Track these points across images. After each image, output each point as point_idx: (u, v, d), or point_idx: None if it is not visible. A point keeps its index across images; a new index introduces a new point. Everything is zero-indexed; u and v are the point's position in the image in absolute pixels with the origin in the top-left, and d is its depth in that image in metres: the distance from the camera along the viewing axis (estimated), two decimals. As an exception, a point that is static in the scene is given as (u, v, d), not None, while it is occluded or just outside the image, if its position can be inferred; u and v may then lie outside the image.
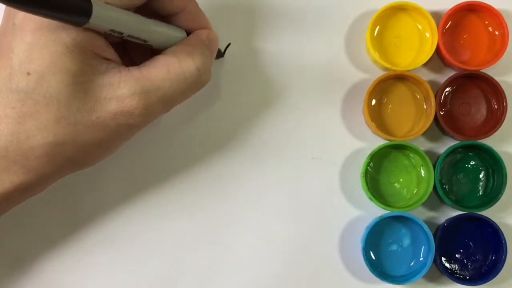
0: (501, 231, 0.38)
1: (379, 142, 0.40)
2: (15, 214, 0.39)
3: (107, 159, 0.39)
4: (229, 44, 0.40)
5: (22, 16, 0.30)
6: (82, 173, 0.39)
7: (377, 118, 0.40)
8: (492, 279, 0.38)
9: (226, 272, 0.40)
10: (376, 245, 0.39)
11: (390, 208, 0.39)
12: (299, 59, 0.41)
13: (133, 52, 0.36)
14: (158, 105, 0.32)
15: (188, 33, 0.35)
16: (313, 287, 0.40)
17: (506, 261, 0.38)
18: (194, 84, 0.33)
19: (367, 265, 0.38)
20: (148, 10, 0.33)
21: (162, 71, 0.32)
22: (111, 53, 0.32)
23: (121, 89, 0.31)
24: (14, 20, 0.30)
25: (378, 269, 0.39)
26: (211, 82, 0.40)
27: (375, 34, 0.40)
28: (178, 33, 0.34)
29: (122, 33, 0.31)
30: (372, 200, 0.39)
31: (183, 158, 0.40)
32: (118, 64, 0.32)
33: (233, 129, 0.40)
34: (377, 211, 0.40)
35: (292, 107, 0.41)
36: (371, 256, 0.39)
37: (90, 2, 0.28)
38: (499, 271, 0.38)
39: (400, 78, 0.40)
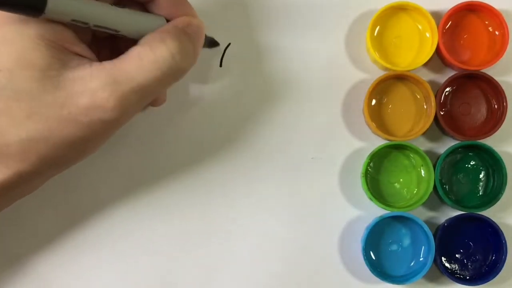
0: (501, 231, 0.38)
1: (379, 142, 0.40)
2: (10, 213, 0.39)
3: (106, 158, 0.40)
4: (229, 44, 0.40)
5: None
6: (79, 173, 0.40)
7: (377, 118, 0.40)
8: (492, 279, 0.38)
9: (226, 272, 0.40)
10: (376, 245, 0.39)
11: (390, 208, 0.39)
12: (299, 59, 0.41)
13: (124, 47, 0.35)
14: (132, 96, 0.30)
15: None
16: (313, 287, 0.40)
17: (506, 261, 0.38)
18: (170, 71, 0.31)
19: (367, 265, 0.38)
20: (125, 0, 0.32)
21: (134, 60, 0.30)
22: (82, 49, 0.31)
23: (93, 82, 0.29)
24: None
25: (378, 269, 0.39)
26: (211, 83, 0.40)
27: (375, 34, 0.40)
28: (156, 22, 0.33)
29: (86, 23, 0.30)
30: (372, 200, 0.39)
31: (182, 158, 0.40)
32: (91, 59, 0.31)
33: (233, 129, 0.40)
34: (377, 211, 0.40)
35: (292, 107, 0.41)
36: (371, 256, 0.39)
37: None
38: (499, 271, 0.38)
39: (400, 78, 0.40)
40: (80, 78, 0.30)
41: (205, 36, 0.35)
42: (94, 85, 0.29)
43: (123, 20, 0.32)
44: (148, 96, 0.31)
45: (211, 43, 0.39)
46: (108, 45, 0.35)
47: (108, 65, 0.30)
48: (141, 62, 0.30)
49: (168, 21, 0.34)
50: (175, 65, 0.31)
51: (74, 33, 0.31)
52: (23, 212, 0.40)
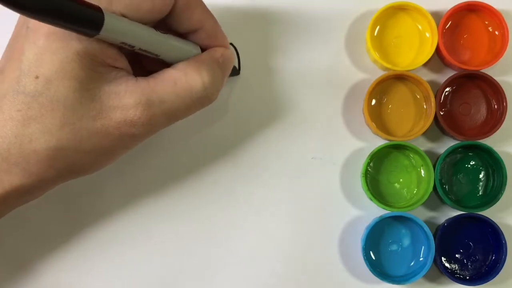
0: (501, 231, 0.38)
1: (379, 142, 0.40)
2: (16, 215, 0.39)
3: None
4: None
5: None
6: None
7: (377, 118, 0.40)
8: (492, 279, 0.38)
9: (226, 272, 0.40)
10: (376, 245, 0.39)
11: (390, 208, 0.39)
12: (299, 59, 0.41)
13: (145, 60, 0.36)
14: (161, 117, 0.32)
15: (204, 50, 0.35)
16: (313, 287, 0.40)
17: (506, 261, 0.38)
18: (199, 101, 0.33)
19: (367, 265, 0.38)
20: (166, 26, 0.33)
21: (169, 84, 0.32)
22: (122, 62, 0.32)
23: (127, 99, 0.31)
24: (28, 23, 0.30)
25: (378, 269, 0.39)
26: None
27: (375, 34, 0.40)
28: (192, 49, 0.34)
29: (133, 46, 0.31)
30: (372, 200, 0.39)
31: (183, 158, 0.40)
32: (128, 73, 0.32)
33: (233, 129, 0.41)
34: (377, 211, 0.40)
35: (292, 107, 0.41)
36: (371, 256, 0.39)
37: (102, 13, 0.28)
38: (499, 271, 0.38)
39: (400, 78, 0.40)
40: (116, 93, 0.31)
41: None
42: (128, 102, 0.31)
43: (165, 46, 0.32)
44: (174, 119, 0.33)
45: (233, 71, 0.40)
46: (133, 54, 0.35)
47: (143, 83, 0.31)
48: (175, 88, 0.32)
49: (202, 49, 0.35)
50: (204, 96, 0.33)
51: (117, 49, 0.31)
52: (26, 215, 0.40)
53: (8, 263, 0.40)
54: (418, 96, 0.40)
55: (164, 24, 0.33)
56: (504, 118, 0.39)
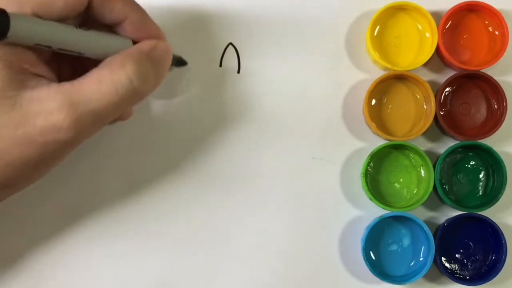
0: (501, 231, 0.38)
1: (379, 142, 0.40)
2: (10, 211, 0.39)
3: (105, 157, 0.40)
4: (229, 44, 0.40)
5: None
6: (77, 171, 0.40)
7: (377, 118, 0.40)
8: (492, 279, 0.38)
9: (226, 271, 0.40)
10: (376, 245, 0.39)
11: (390, 208, 0.39)
12: (299, 59, 0.41)
13: (90, 66, 0.34)
14: (88, 118, 0.30)
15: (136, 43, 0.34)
16: (313, 287, 0.40)
17: (506, 261, 0.38)
18: (127, 95, 0.31)
19: (367, 265, 0.38)
20: (91, 21, 0.32)
21: (92, 83, 0.30)
22: (42, 69, 0.31)
23: (50, 103, 0.29)
24: None
25: (378, 269, 0.39)
26: (212, 84, 0.40)
27: (375, 34, 0.40)
28: (119, 44, 0.33)
29: (50, 46, 0.30)
30: (372, 200, 0.39)
31: (183, 157, 0.40)
32: (49, 79, 0.31)
33: (232, 128, 0.40)
34: (377, 211, 0.40)
35: (292, 107, 0.41)
36: (371, 256, 0.39)
37: (8, 17, 0.27)
38: (499, 271, 0.38)
39: (400, 78, 0.40)
40: (37, 99, 0.29)
41: (174, 57, 0.35)
42: (50, 106, 0.29)
43: (87, 43, 0.31)
44: (105, 118, 0.31)
45: (179, 62, 0.39)
46: (70, 60, 0.34)
47: (66, 86, 0.30)
48: (99, 85, 0.30)
49: (134, 43, 0.34)
50: (132, 90, 0.31)
51: (34, 54, 0.30)
52: (20, 210, 0.40)
53: (1, 261, 0.40)
54: (418, 96, 0.40)
55: (88, 17, 0.32)
56: (504, 118, 0.39)
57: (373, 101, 0.40)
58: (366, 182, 0.39)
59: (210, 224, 0.40)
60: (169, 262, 0.40)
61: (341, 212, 0.40)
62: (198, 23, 0.41)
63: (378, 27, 0.40)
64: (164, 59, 0.34)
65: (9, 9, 0.28)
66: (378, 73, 0.40)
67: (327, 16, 0.41)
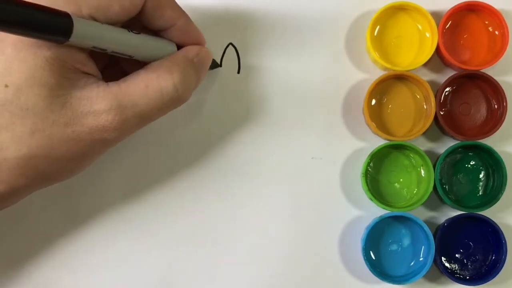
0: (501, 231, 0.38)
1: (379, 142, 0.40)
2: (13, 213, 0.39)
3: (107, 158, 0.40)
4: (229, 44, 0.40)
5: None
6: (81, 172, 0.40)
7: (377, 118, 0.40)
8: (492, 279, 0.38)
9: (226, 272, 0.40)
10: (376, 245, 0.39)
11: (390, 208, 0.39)
12: (299, 59, 0.41)
13: (122, 61, 0.36)
14: (134, 121, 0.32)
15: (180, 48, 0.35)
16: (313, 287, 0.40)
17: (506, 261, 0.38)
18: (171, 102, 0.33)
19: (367, 265, 0.38)
20: (138, 25, 0.33)
21: (140, 87, 0.31)
22: (91, 68, 0.31)
23: (98, 104, 0.30)
24: None
25: (378, 269, 0.39)
26: (213, 84, 0.40)
27: (375, 34, 0.40)
28: (166, 47, 0.34)
29: (105, 49, 0.30)
30: (372, 200, 0.39)
31: (184, 157, 0.40)
32: (98, 78, 0.32)
33: (233, 129, 0.40)
34: (377, 211, 0.40)
35: (292, 107, 0.41)
36: (371, 256, 0.39)
37: (71, 19, 0.27)
38: (499, 271, 0.38)
39: (400, 78, 0.40)
40: (87, 99, 0.30)
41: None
42: (100, 107, 0.30)
43: (139, 46, 0.32)
44: (147, 121, 0.33)
45: (213, 65, 0.40)
46: (106, 58, 0.35)
47: (114, 87, 0.31)
48: (146, 90, 0.31)
49: (178, 46, 0.35)
50: (176, 97, 0.33)
51: (85, 53, 0.31)
52: (22, 212, 0.40)
53: (4, 261, 0.40)
54: (418, 96, 0.40)
55: (138, 22, 0.33)
56: (504, 118, 0.39)
57: (373, 101, 0.40)
58: (366, 182, 0.39)
59: (210, 224, 0.40)
60: (170, 261, 0.40)
61: (341, 212, 0.40)
62: (198, 23, 0.41)
63: (378, 27, 0.40)
64: (206, 65, 0.36)
65: (67, 11, 0.28)
66: (378, 73, 0.40)
67: (327, 16, 0.41)
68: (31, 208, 0.40)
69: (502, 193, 0.38)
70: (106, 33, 0.30)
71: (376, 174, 0.40)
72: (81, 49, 0.30)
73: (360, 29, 0.41)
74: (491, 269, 0.39)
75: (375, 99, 0.40)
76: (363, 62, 0.41)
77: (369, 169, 0.40)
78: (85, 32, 0.29)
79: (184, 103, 0.34)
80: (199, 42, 0.36)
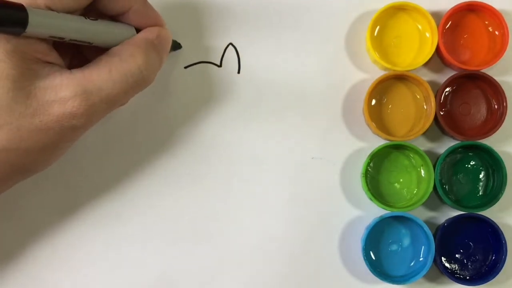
0: (501, 231, 0.38)
1: (379, 142, 0.40)
2: (13, 213, 0.39)
3: (106, 155, 0.40)
4: (229, 44, 0.40)
5: None
6: (79, 170, 0.40)
7: (377, 118, 0.40)
8: (492, 279, 0.38)
9: (226, 272, 0.40)
10: (376, 245, 0.39)
11: (390, 208, 0.39)
12: (299, 59, 0.41)
13: (85, 49, 0.36)
14: (101, 105, 0.32)
15: (139, 31, 0.35)
16: (313, 287, 0.40)
17: (506, 261, 0.38)
18: (136, 84, 0.33)
19: (367, 265, 0.38)
20: (96, 11, 0.33)
21: (104, 71, 0.32)
22: (54, 57, 0.32)
23: (63, 91, 0.31)
24: None
25: (378, 269, 0.39)
26: (212, 84, 0.40)
27: (375, 34, 0.40)
28: (125, 32, 0.34)
29: (63, 38, 0.31)
30: (372, 200, 0.39)
31: (184, 157, 0.40)
32: (62, 67, 0.32)
33: (233, 129, 0.40)
34: (377, 211, 0.40)
35: (292, 107, 0.41)
36: (371, 256, 0.39)
37: (26, 12, 0.28)
38: (499, 271, 0.38)
39: (400, 78, 0.40)
40: (51, 87, 0.31)
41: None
42: (65, 94, 0.31)
43: (97, 33, 0.33)
44: (114, 105, 0.33)
45: (174, 46, 0.39)
46: (70, 47, 0.35)
47: (78, 74, 0.31)
48: (110, 74, 0.32)
49: (137, 29, 0.35)
50: (141, 79, 0.33)
51: (45, 43, 0.31)
52: (15, 205, 0.40)
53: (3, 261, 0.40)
54: (418, 96, 0.40)
55: (95, 9, 0.33)
56: (504, 118, 0.39)
57: (373, 101, 0.40)
58: (366, 182, 0.39)
59: (210, 224, 0.40)
60: (168, 263, 0.40)
61: (341, 212, 0.40)
62: (198, 23, 0.41)
63: (378, 27, 0.40)
64: (167, 45, 0.36)
65: (24, 3, 0.28)
66: (378, 73, 0.40)
67: (327, 16, 0.41)
68: (29, 207, 0.40)
69: (502, 193, 0.38)
70: (62, 22, 0.30)
71: (376, 174, 0.40)
72: (41, 39, 0.31)
73: (360, 29, 0.41)
74: (491, 269, 0.39)
75: (375, 99, 0.40)
76: (363, 62, 0.41)
77: (369, 169, 0.40)
78: (41, 23, 0.29)
79: (149, 84, 0.34)
80: (158, 24, 0.36)
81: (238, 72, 0.41)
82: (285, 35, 0.41)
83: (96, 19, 0.33)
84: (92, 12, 0.33)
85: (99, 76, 0.31)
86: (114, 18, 0.35)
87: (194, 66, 0.41)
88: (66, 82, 0.31)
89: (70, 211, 0.40)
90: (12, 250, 0.40)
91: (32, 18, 0.28)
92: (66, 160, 0.40)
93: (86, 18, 0.32)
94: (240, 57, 0.41)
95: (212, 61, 0.41)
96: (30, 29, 0.28)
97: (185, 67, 0.40)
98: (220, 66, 0.41)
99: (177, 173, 0.40)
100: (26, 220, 0.40)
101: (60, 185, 0.40)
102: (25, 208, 0.40)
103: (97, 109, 0.32)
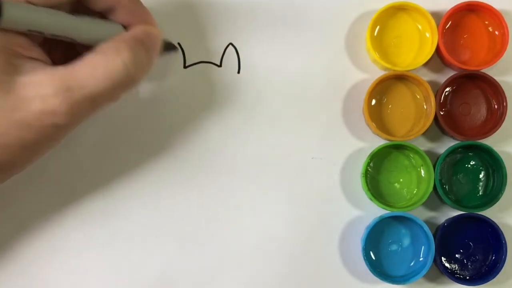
0: (501, 231, 0.38)
1: (379, 142, 0.40)
2: (12, 212, 0.39)
3: (106, 153, 0.40)
4: (229, 44, 0.40)
5: None
6: (79, 168, 0.40)
7: (377, 118, 0.40)
8: (492, 279, 0.38)
9: (226, 272, 0.40)
10: (376, 245, 0.39)
11: (390, 208, 0.39)
12: (299, 59, 0.41)
13: (82, 49, 0.35)
14: (84, 104, 0.31)
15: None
16: (313, 287, 0.40)
17: (506, 261, 0.38)
18: (122, 82, 0.31)
19: (367, 265, 0.38)
20: (84, 8, 0.33)
21: (88, 68, 0.30)
22: (37, 53, 0.31)
23: (45, 88, 0.30)
24: None
25: (378, 269, 0.39)
26: (212, 84, 0.40)
27: (375, 34, 0.40)
28: (112, 29, 0.33)
29: (42, 32, 0.30)
30: (372, 200, 0.39)
31: (183, 158, 0.40)
32: (46, 63, 0.31)
33: (232, 129, 0.40)
34: (377, 211, 0.40)
35: (292, 107, 0.41)
36: (371, 256, 0.39)
37: (1, 3, 0.27)
38: (499, 271, 0.38)
39: (400, 78, 0.40)
40: (33, 83, 0.30)
41: (163, 41, 0.35)
42: (46, 91, 0.30)
43: (78, 29, 0.32)
44: (98, 104, 0.32)
45: (169, 47, 0.39)
46: (63, 44, 0.35)
47: (61, 70, 0.30)
48: (94, 71, 0.30)
49: (125, 28, 0.34)
50: (127, 76, 0.31)
51: (27, 37, 0.31)
52: (13, 204, 0.40)
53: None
54: (418, 96, 0.40)
55: (83, 6, 0.33)
56: (504, 118, 0.39)
57: (373, 101, 0.40)
58: (366, 182, 0.39)
59: (210, 224, 0.40)
60: (169, 263, 0.40)
61: (341, 212, 0.40)
62: (198, 23, 0.41)
63: (378, 27, 0.40)
64: (156, 45, 0.34)
65: None
66: (378, 73, 0.40)
67: (327, 16, 0.41)
68: (27, 207, 0.40)
69: (502, 193, 0.38)
70: (40, 15, 0.30)
71: (376, 174, 0.40)
72: (23, 34, 0.30)
73: (360, 29, 0.41)
74: (491, 269, 0.39)
75: (375, 99, 0.40)
76: (363, 62, 0.41)
77: (369, 169, 0.40)
78: (17, 15, 0.28)
79: (137, 84, 0.33)
80: (147, 22, 0.35)
81: (238, 72, 0.41)
82: (285, 35, 0.41)
83: (80, 16, 0.32)
84: (81, 9, 0.32)
85: (83, 73, 0.30)
86: (103, 15, 0.34)
87: (194, 66, 0.41)
88: (48, 79, 0.30)
89: (70, 210, 0.40)
90: (9, 249, 0.40)
91: (8, 10, 0.28)
92: (66, 160, 0.40)
93: (69, 14, 0.31)
94: (240, 57, 0.41)
95: (212, 61, 0.41)
96: (5, 22, 0.28)
97: (185, 67, 0.40)
98: (220, 66, 0.41)
99: (177, 172, 0.40)
100: (24, 220, 0.40)
101: (59, 185, 0.40)
102: (23, 207, 0.40)
103: (81, 107, 0.31)
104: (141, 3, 0.34)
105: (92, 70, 0.30)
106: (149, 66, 0.33)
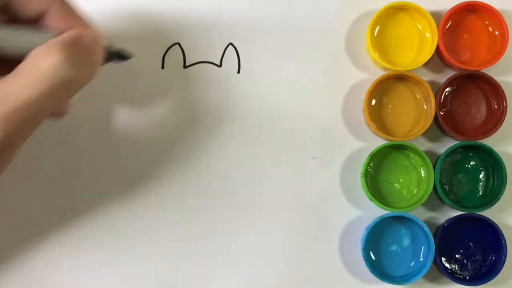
0: (501, 231, 0.38)
1: (379, 142, 0.40)
2: (12, 214, 0.39)
3: (106, 159, 0.40)
4: (229, 44, 0.40)
5: None
6: (79, 174, 0.40)
7: (377, 118, 0.40)
8: (492, 279, 0.38)
9: (226, 272, 0.40)
10: (376, 245, 0.39)
11: (390, 208, 0.39)
12: (299, 59, 0.41)
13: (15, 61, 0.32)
14: (20, 113, 0.28)
15: None
16: (313, 287, 0.40)
17: (506, 261, 0.38)
18: (59, 85, 0.29)
19: (367, 265, 0.38)
20: (9, 16, 0.31)
21: (19, 76, 0.29)
22: None
23: None
24: None
25: (378, 269, 0.39)
26: (212, 84, 0.40)
27: (375, 34, 0.40)
28: (42, 38, 0.31)
29: None
30: (372, 200, 0.39)
31: (182, 158, 0.40)
32: None
33: (232, 129, 0.40)
34: (377, 211, 0.40)
35: (292, 107, 0.41)
36: (371, 256, 0.39)
37: None
38: (499, 271, 0.38)
39: (400, 78, 0.40)
40: None
41: (112, 48, 0.34)
42: None
43: (6, 39, 0.30)
44: (38, 112, 0.29)
45: (120, 55, 0.35)
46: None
47: None
48: (24, 77, 0.29)
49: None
50: (63, 77, 0.29)
51: None
52: (15, 208, 0.40)
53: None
54: (418, 96, 0.40)
55: (8, 14, 0.31)
56: (504, 118, 0.39)
57: (373, 101, 0.40)
58: (366, 182, 0.39)
59: (210, 225, 0.40)
60: (169, 263, 0.40)
61: (341, 212, 0.40)
62: (198, 23, 0.41)
63: (378, 27, 0.40)
64: (94, 45, 0.32)
65: None
66: (378, 73, 0.40)
67: (327, 16, 0.41)
68: (29, 208, 0.40)
69: (502, 194, 0.38)
70: None
71: (376, 174, 0.40)
72: None
73: (360, 29, 0.41)
74: (491, 269, 0.39)
75: (375, 99, 0.40)
76: (363, 62, 0.41)
77: (369, 169, 0.40)
78: None
79: (78, 88, 0.31)
80: (83, 26, 0.32)
81: (238, 72, 0.41)
82: (285, 35, 0.41)
83: (5, 25, 0.30)
84: (10, 19, 0.31)
85: (15, 82, 0.28)
86: (32, 23, 0.32)
87: (194, 66, 0.41)
88: None
89: (70, 213, 0.40)
90: (12, 253, 0.40)
91: None
92: (67, 164, 0.40)
93: None
94: (240, 57, 0.41)
95: (212, 61, 0.41)
96: None
97: (185, 67, 0.40)
98: (220, 66, 0.41)
99: (176, 172, 0.40)
100: (26, 223, 0.40)
101: (60, 188, 0.40)
102: (25, 211, 0.40)
103: (17, 118, 0.28)
104: (72, 8, 0.32)
105: (23, 77, 0.29)
106: (90, 68, 0.31)
